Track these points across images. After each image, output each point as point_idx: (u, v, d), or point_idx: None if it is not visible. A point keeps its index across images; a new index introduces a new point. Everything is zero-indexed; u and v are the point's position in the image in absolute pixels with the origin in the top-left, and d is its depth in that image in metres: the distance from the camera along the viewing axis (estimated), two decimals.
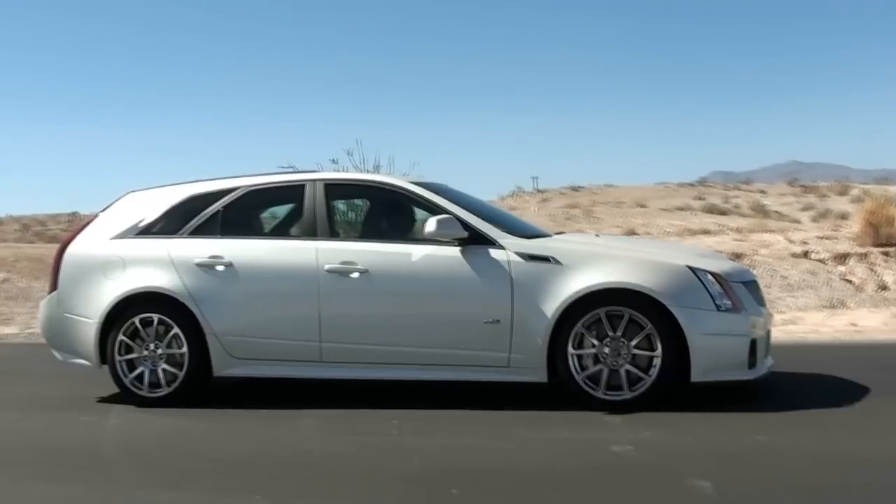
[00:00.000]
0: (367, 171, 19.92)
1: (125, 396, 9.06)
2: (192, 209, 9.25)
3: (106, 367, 9.11)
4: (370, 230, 9.56)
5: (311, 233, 8.84)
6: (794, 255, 19.44)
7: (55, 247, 27.72)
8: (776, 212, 55.64)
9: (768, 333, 8.58)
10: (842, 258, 18.76)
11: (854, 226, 21.31)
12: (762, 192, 74.32)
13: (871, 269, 18.14)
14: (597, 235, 10.66)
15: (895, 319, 14.50)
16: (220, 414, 8.63)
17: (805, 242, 20.56)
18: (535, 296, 8.08)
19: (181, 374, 8.84)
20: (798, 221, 44.36)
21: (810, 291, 17.43)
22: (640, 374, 7.89)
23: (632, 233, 32.26)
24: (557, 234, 9.82)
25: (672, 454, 6.61)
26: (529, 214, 45.29)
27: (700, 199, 64.07)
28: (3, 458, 7.49)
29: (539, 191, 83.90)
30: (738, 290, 8.11)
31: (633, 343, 7.88)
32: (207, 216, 9.15)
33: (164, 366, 8.88)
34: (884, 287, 17.29)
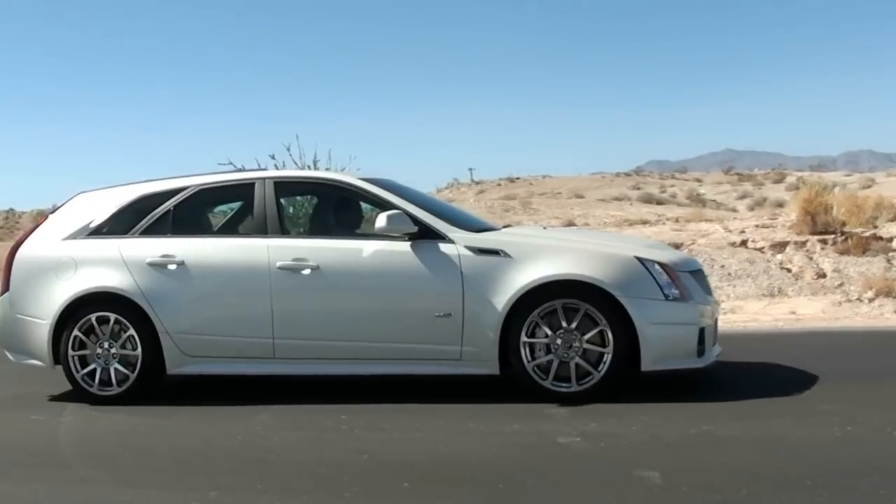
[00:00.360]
0: (308, 167, 20.07)
1: (77, 395, 9.08)
2: (142, 209, 9.27)
3: (58, 368, 9.13)
4: (320, 227, 9.59)
5: (261, 230, 8.88)
6: (733, 244, 19.65)
7: None
8: (713, 200, 56.18)
9: (715, 322, 8.73)
10: (780, 246, 18.98)
11: (791, 214, 21.50)
12: (698, 180, 74.93)
13: (809, 257, 18.36)
14: (544, 228, 10.77)
15: (833, 307, 14.71)
16: (173, 411, 8.67)
17: (743, 231, 20.78)
18: (485, 289, 8.18)
19: (134, 373, 8.88)
20: (735, 210, 44.88)
21: (749, 280, 17.63)
22: (590, 368, 8.02)
23: (571, 224, 32.47)
24: (505, 226, 9.93)
25: (619, 445, 6.71)
26: (467, 206, 45.51)
27: (637, 188, 64.52)
28: None
29: (476, 182, 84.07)
30: (685, 280, 8.27)
31: (586, 337, 8.01)
32: (158, 215, 9.18)
33: (117, 365, 8.91)
34: (822, 275, 17.51)
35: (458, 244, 8.35)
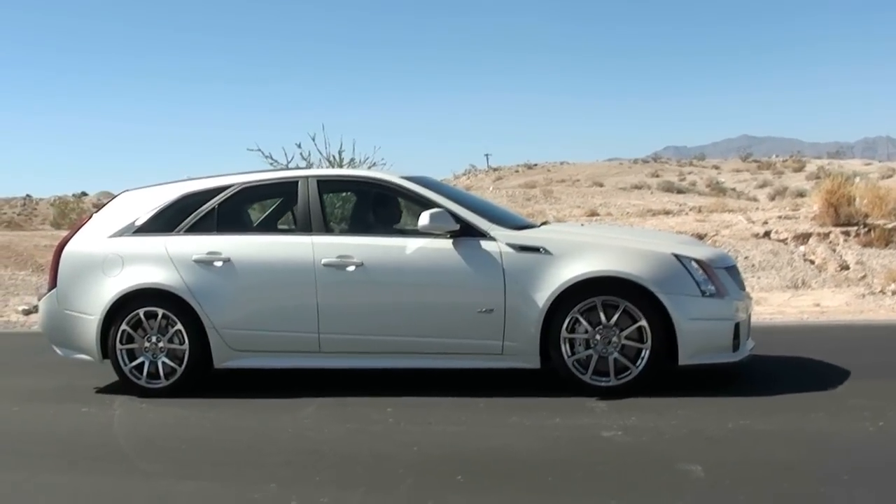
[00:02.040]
0: (334, 157, 20.28)
1: (123, 387, 9.29)
2: (187, 207, 9.46)
3: (105, 362, 9.35)
4: (361, 224, 9.75)
5: (306, 228, 9.07)
6: (756, 236, 19.78)
7: (18, 234, 27.68)
8: (733, 189, 56.01)
9: (749, 316, 8.91)
10: (803, 238, 19.11)
11: (813, 205, 21.58)
12: (716, 167, 74.68)
13: (832, 249, 18.49)
14: (581, 225, 10.96)
15: (857, 300, 14.82)
16: (220, 403, 8.85)
17: (766, 222, 20.86)
18: (526, 285, 8.37)
19: (182, 367, 9.09)
20: (755, 199, 44.77)
21: (773, 272, 17.79)
22: (628, 363, 8.22)
23: (593, 214, 32.50)
24: (543, 224, 10.11)
25: (661, 439, 6.87)
26: (486, 194, 45.47)
27: (656, 175, 64.35)
28: (15, 449, 7.64)
29: (493, 168, 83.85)
30: (720, 276, 8.44)
31: (624, 333, 8.20)
32: (203, 213, 9.37)
33: (164, 359, 9.14)
34: (845, 267, 17.65)
35: (499, 241, 8.53)
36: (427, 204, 8.85)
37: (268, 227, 10.12)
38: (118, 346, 9.20)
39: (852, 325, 12.85)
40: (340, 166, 20.21)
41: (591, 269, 8.28)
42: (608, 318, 8.22)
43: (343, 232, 9.66)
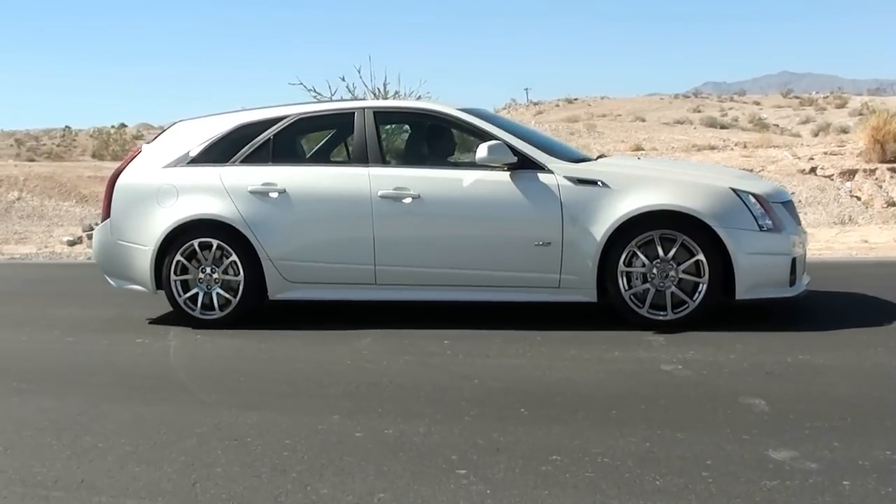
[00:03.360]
0: (379, 90, 20.28)
1: (177, 318, 9.37)
2: (242, 138, 9.45)
3: (158, 293, 9.42)
4: (416, 156, 9.70)
5: (362, 159, 9.03)
6: (802, 172, 19.67)
7: (62, 165, 27.79)
8: (775, 125, 55.61)
9: (805, 252, 8.87)
10: (849, 174, 19.00)
11: (859, 141, 21.47)
12: (757, 103, 74.15)
13: (879, 186, 18.37)
14: (638, 158, 10.91)
15: None
16: (275, 335, 8.88)
17: (811, 158, 20.75)
18: (584, 218, 8.34)
19: (236, 298, 9.15)
20: (798, 135, 44.46)
21: (820, 208, 17.71)
22: (685, 297, 8.22)
23: (638, 149, 32.35)
24: (599, 157, 10.08)
25: (721, 373, 6.84)
26: None
27: (697, 111, 64.00)
28: (73, 379, 7.66)
29: (533, 103, 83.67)
30: (777, 211, 8.40)
31: (682, 267, 8.18)
32: (258, 144, 9.35)
33: (219, 290, 9.19)
34: (892, 203, 17.56)
35: (557, 174, 8.49)
36: (484, 136, 8.81)
37: (322, 158, 10.11)
38: (172, 276, 9.26)
39: None
40: (386, 99, 20.24)
41: (649, 202, 8.24)
42: (665, 251, 8.21)
43: (399, 164, 9.62)
